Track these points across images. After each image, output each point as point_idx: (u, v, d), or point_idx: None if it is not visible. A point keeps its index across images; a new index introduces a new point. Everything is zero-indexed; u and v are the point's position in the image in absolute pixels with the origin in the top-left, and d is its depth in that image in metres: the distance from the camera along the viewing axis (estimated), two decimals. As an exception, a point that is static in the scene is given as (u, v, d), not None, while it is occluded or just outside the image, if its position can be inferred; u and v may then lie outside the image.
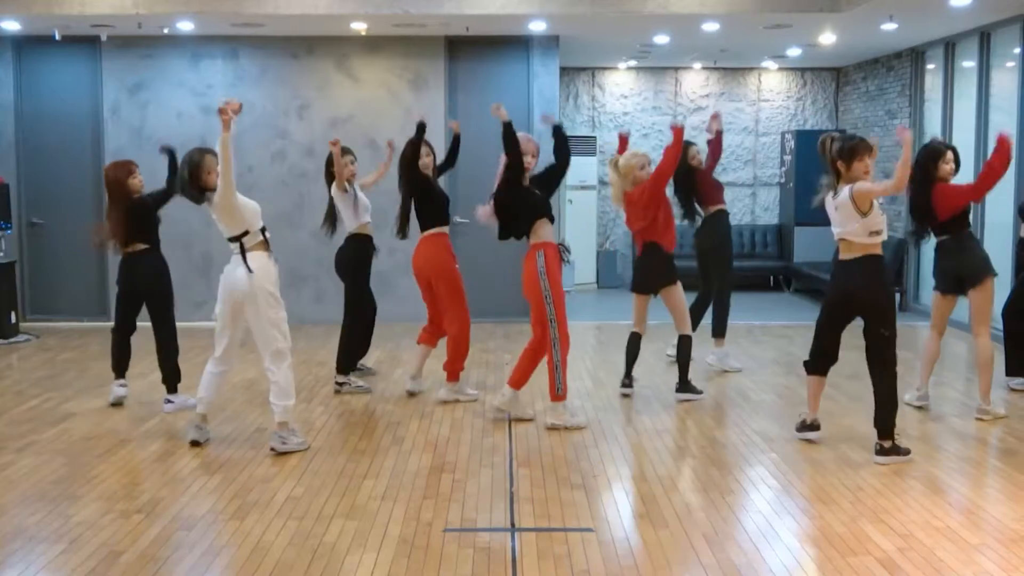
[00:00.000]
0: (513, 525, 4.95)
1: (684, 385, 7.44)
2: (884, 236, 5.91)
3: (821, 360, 6.24)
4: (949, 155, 6.75)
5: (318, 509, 5.13)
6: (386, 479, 5.62)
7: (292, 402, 6.14)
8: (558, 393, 6.71)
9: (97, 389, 7.77)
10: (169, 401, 7.20)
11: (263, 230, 6.11)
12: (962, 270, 6.79)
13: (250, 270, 5.95)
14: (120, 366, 7.36)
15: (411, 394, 7.62)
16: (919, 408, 7.06)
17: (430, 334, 7.61)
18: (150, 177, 7.34)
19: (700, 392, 7.48)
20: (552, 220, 6.78)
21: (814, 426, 6.32)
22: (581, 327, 11.02)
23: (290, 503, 5.22)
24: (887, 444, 5.92)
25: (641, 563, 4.44)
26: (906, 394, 7.12)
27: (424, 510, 5.11)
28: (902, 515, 5.02)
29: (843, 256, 6.00)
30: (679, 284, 7.37)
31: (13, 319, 10.09)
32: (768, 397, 7.61)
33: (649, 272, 7.43)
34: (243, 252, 6.00)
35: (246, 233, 6.03)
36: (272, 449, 6.08)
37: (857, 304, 5.99)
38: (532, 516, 5.07)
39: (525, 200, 6.70)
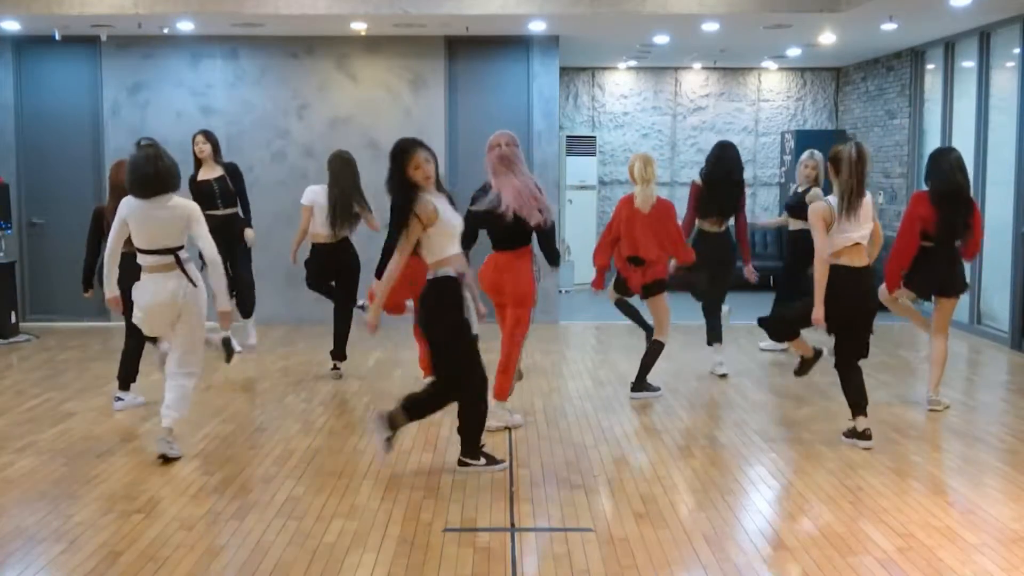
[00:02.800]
0: (513, 525, 4.96)
1: (640, 384, 7.50)
2: None
3: None
4: None
5: (318, 509, 5.13)
6: (386, 479, 5.62)
7: (185, 414, 6.01)
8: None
9: (97, 389, 7.77)
10: (119, 399, 7.16)
11: None
12: (949, 277, 6.92)
13: (193, 284, 5.86)
14: (122, 377, 7.22)
15: None
16: (931, 411, 7.07)
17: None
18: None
19: (658, 389, 7.54)
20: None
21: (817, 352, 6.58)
22: (581, 327, 11.03)
23: (290, 503, 5.22)
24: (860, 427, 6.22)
25: (641, 563, 4.44)
26: (926, 397, 7.20)
27: (424, 510, 5.11)
28: (902, 515, 5.02)
29: (855, 264, 6.05)
30: (662, 296, 7.38)
31: (13, 319, 10.09)
32: (768, 397, 7.61)
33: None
34: (181, 265, 5.85)
35: (181, 247, 5.92)
36: (163, 456, 5.88)
37: (860, 312, 6.13)
38: (532, 516, 5.08)
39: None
